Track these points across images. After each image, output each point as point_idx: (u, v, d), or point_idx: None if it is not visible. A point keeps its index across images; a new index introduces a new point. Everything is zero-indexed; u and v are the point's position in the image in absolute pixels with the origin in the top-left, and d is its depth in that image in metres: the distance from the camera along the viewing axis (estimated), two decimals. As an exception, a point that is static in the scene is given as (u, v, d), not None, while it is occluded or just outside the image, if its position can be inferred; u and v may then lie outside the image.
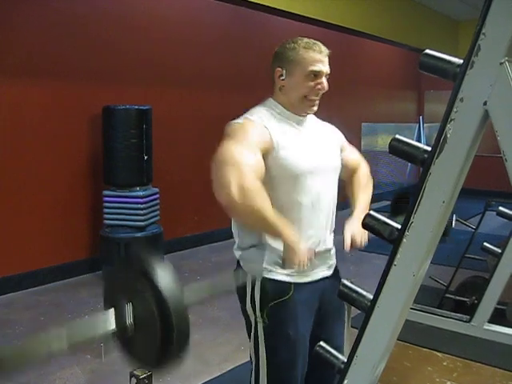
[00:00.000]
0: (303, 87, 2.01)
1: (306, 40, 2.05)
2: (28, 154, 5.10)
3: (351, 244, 2.06)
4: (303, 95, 2.02)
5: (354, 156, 2.34)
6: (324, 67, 2.03)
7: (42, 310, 4.58)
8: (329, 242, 2.17)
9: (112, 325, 1.33)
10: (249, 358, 2.16)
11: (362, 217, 2.12)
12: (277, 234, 1.82)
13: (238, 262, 2.15)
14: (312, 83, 2.01)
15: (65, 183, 5.44)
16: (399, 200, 2.88)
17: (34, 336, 1.23)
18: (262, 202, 1.78)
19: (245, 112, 2.09)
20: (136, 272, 1.31)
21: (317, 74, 2.01)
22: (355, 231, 2.06)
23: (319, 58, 2.02)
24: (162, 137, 5.88)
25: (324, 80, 2.03)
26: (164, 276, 1.25)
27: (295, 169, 1.98)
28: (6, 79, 4.91)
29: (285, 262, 1.87)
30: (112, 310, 1.34)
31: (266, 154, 1.93)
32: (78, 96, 5.46)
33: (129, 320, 1.29)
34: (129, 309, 1.30)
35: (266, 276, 2.02)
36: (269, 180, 1.92)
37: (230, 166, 1.78)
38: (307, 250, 1.84)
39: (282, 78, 2.05)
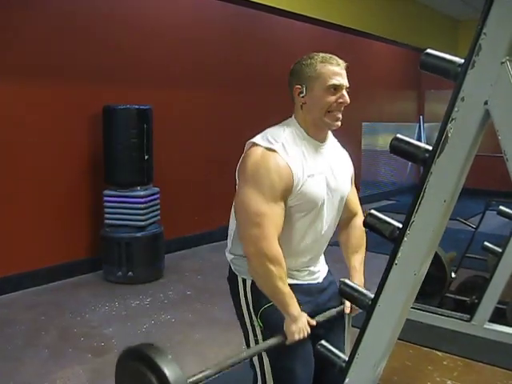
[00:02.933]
0: (324, 102, 1.98)
1: (322, 54, 2.02)
2: (28, 153, 5.10)
3: (351, 308, 2.16)
4: (326, 110, 1.99)
5: (354, 198, 2.32)
6: (343, 80, 2.00)
7: (43, 310, 4.58)
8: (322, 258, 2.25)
9: None
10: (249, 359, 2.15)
11: (361, 276, 2.19)
12: (282, 307, 1.96)
13: (230, 265, 2.17)
14: (333, 97, 1.98)
15: (65, 183, 5.44)
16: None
17: None
18: (278, 272, 1.91)
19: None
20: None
21: (337, 88, 1.98)
22: None
23: (337, 71, 1.99)
24: (162, 136, 5.88)
25: (345, 93, 2.01)
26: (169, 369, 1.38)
27: (313, 201, 2.01)
28: (6, 79, 4.91)
29: (285, 331, 1.95)
30: None
31: (288, 194, 1.96)
32: (79, 95, 5.46)
33: None
34: None
35: None
36: (287, 211, 1.97)
37: (255, 227, 1.91)
38: (307, 321, 1.97)
39: (301, 95, 2.01)
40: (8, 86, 4.93)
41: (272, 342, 1.95)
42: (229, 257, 2.17)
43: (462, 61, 1.25)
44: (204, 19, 6.68)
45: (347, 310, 2.16)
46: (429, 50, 1.30)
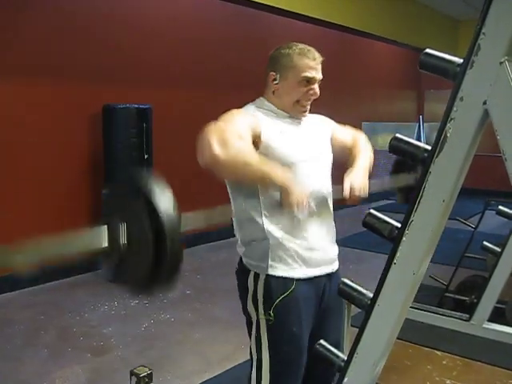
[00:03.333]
0: (296, 92, 2.05)
1: (300, 46, 2.09)
2: (28, 152, 5.10)
3: (350, 193, 2.05)
4: (295, 100, 2.06)
5: (348, 133, 2.35)
6: (317, 74, 2.06)
7: (41, 310, 4.58)
8: (331, 232, 2.18)
9: (104, 242, 1.30)
10: (248, 357, 2.16)
11: (363, 167, 2.16)
12: (268, 178, 1.84)
13: (241, 258, 2.15)
14: (304, 89, 2.05)
15: (65, 182, 5.44)
16: (398, 162, 2.89)
17: (27, 242, 1.20)
18: (247, 151, 1.82)
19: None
20: (134, 192, 1.27)
21: (309, 80, 2.04)
22: (354, 180, 2.09)
23: (312, 65, 2.05)
24: (162, 136, 5.88)
25: (316, 86, 2.06)
26: (162, 199, 1.23)
27: (288, 157, 1.99)
28: (6, 78, 4.91)
29: (283, 205, 1.84)
30: (105, 227, 1.30)
31: (257, 139, 1.95)
32: (79, 95, 5.46)
33: (122, 240, 1.27)
34: (123, 228, 1.27)
35: (270, 273, 2.02)
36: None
37: (214, 131, 1.82)
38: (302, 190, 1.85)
39: (275, 82, 2.08)
40: (8, 86, 4.93)
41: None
42: (240, 250, 2.14)
43: (461, 61, 1.25)
44: (204, 19, 6.68)
45: (346, 195, 2.07)
46: (428, 50, 1.30)
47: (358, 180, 2.09)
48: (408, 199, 2.61)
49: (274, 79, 2.08)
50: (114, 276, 1.36)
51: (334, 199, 2.17)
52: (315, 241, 2.07)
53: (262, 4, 5.88)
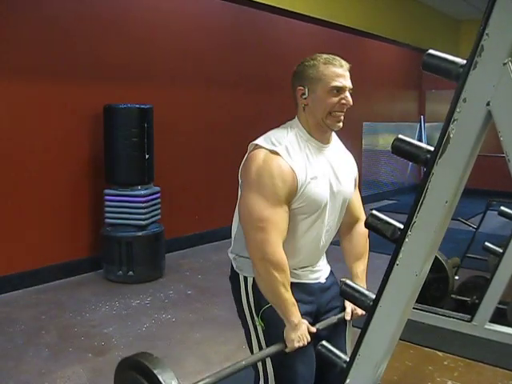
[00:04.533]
0: (327, 104, 1.97)
1: (325, 56, 2.01)
2: (29, 152, 5.10)
3: (352, 314, 2.17)
4: (328, 111, 1.98)
5: (358, 202, 2.31)
6: (346, 82, 1.99)
7: (43, 309, 4.58)
8: (324, 258, 2.25)
9: None
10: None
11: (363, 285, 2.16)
12: (283, 313, 1.96)
13: (232, 264, 2.17)
14: (336, 99, 1.97)
15: (66, 182, 5.44)
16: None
17: None
18: (281, 278, 1.92)
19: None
20: None
21: (339, 90, 1.97)
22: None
23: (340, 73, 1.98)
24: (163, 136, 5.88)
25: (348, 94, 2.00)
26: None
27: (321, 202, 2.00)
28: (7, 78, 4.91)
29: (286, 343, 1.96)
30: None
31: (292, 198, 1.95)
32: (80, 95, 5.45)
33: None
34: None
35: None
36: (290, 213, 1.97)
37: (259, 232, 1.91)
38: (307, 328, 1.98)
39: (304, 96, 2.01)
40: (9, 86, 4.93)
41: (272, 349, 1.95)
42: (231, 255, 2.17)
43: (464, 62, 1.25)
44: (207, 19, 6.68)
45: (347, 317, 2.16)
46: (431, 51, 1.30)
47: None
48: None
49: (303, 94, 2.01)
50: None
51: None
52: (306, 262, 2.12)
53: (264, 4, 5.88)
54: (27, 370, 3.54)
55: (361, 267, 2.25)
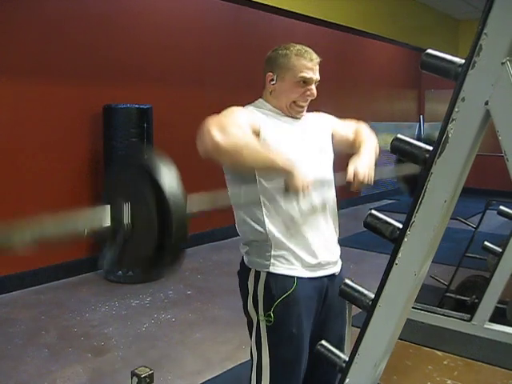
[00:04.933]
0: (293, 93, 2.07)
1: (298, 47, 2.10)
2: (28, 153, 5.10)
3: (354, 178, 2.01)
4: (292, 100, 2.08)
5: (350, 126, 2.34)
6: (314, 75, 2.08)
7: (43, 309, 4.59)
8: (333, 231, 2.18)
9: (107, 221, 1.28)
10: (249, 357, 2.16)
11: (369, 153, 2.16)
12: (271, 164, 1.84)
13: (243, 258, 2.15)
14: (301, 89, 2.06)
15: (65, 182, 5.44)
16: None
17: (30, 219, 1.17)
18: (247, 137, 1.85)
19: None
20: (138, 171, 1.25)
21: (306, 81, 2.06)
22: (359, 165, 2.06)
23: (310, 66, 2.06)
24: (162, 136, 5.88)
25: (313, 87, 2.08)
26: (168, 179, 1.21)
27: (287, 155, 1.94)
28: (6, 78, 4.91)
29: (287, 190, 1.85)
30: (108, 207, 1.28)
31: (256, 136, 1.95)
32: (79, 95, 5.45)
33: (126, 220, 1.24)
34: (127, 208, 1.24)
35: (271, 270, 2.02)
36: (266, 182, 1.96)
37: (213, 122, 1.85)
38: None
39: (272, 82, 2.11)
40: (8, 86, 4.93)
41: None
42: (242, 249, 2.15)
43: (463, 61, 1.25)
44: (206, 18, 6.68)
45: (349, 180, 2.03)
46: (429, 51, 1.30)
47: (362, 166, 2.06)
48: (412, 189, 2.58)
49: (272, 79, 2.10)
50: (118, 258, 1.34)
51: (337, 186, 2.16)
52: (317, 242, 2.07)
53: (264, 4, 5.88)
54: (27, 370, 3.54)
55: (370, 141, 2.29)
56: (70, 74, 5.39)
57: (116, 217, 1.23)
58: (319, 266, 2.09)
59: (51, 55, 5.21)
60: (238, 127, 1.86)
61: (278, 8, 6.11)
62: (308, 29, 7.55)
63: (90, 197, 5.63)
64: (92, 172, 5.62)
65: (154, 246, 1.18)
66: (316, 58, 2.10)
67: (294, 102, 2.08)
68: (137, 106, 5.31)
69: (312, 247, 2.06)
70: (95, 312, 4.55)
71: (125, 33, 5.81)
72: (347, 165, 2.07)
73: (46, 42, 5.17)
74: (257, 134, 1.96)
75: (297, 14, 6.45)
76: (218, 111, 2.00)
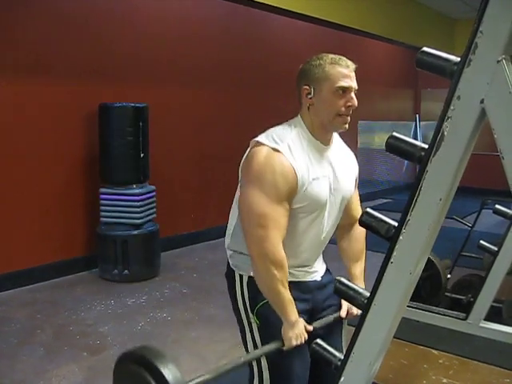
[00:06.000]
0: (333, 104, 1.96)
1: (331, 56, 1.99)
2: (24, 151, 5.09)
3: (348, 314, 2.16)
4: (335, 113, 1.97)
5: (356, 202, 2.30)
6: (352, 82, 1.98)
7: (39, 308, 4.58)
8: (320, 256, 2.24)
9: None
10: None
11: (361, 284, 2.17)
12: (281, 311, 1.95)
13: (228, 261, 2.17)
14: (341, 101, 1.96)
15: (61, 181, 5.43)
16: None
17: None
18: (280, 275, 1.91)
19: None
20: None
21: (345, 90, 1.96)
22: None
23: (346, 73, 1.96)
24: (158, 134, 5.87)
25: (353, 95, 1.98)
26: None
27: (320, 202, 2.01)
28: (2, 78, 4.89)
29: (284, 341, 1.95)
30: None
31: (292, 196, 1.95)
32: (75, 93, 5.44)
33: None
34: None
35: (252, 274, 2.03)
36: (290, 212, 1.96)
37: (259, 228, 1.90)
38: (304, 327, 1.96)
39: (309, 96, 1.99)
40: (4, 85, 4.91)
41: (270, 347, 1.95)
42: (228, 252, 2.16)
43: (458, 59, 1.25)
44: (203, 17, 6.68)
45: (343, 314, 2.15)
46: (425, 49, 1.30)
47: None
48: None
49: (308, 93, 1.99)
50: None
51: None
52: (304, 260, 2.12)
53: (261, 3, 5.87)
54: (22, 369, 3.54)
55: (359, 268, 2.26)
56: (66, 72, 5.38)
57: None
58: (304, 272, 2.13)
59: (46, 54, 5.19)
60: (280, 233, 1.92)
61: (276, 7, 6.11)
62: (305, 27, 7.55)
63: (85, 195, 5.62)
64: (87, 171, 5.61)
65: None
66: (352, 65, 2.00)
67: (337, 115, 1.98)
68: (132, 104, 5.31)
69: (298, 264, 2.10)
70: (91, 311, 4.54)
71: (121, 32, 5.80)
72: None
73: (42, 41, 5.15)
74: (294, 194, 1.94)
75: (295, 12, 6.46)
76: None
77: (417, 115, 12.08)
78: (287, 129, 2.03)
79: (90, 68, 5.55)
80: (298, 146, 1.98)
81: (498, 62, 1.19)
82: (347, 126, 2.03)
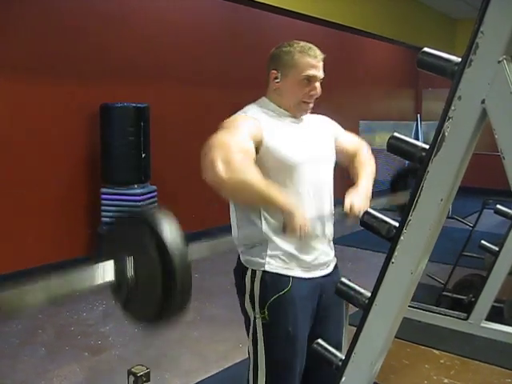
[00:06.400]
0: (297, 91, 2.05)
1: (301, 44, 2.07)
2: (26, 151, 5.09)
3: (350, 210, 2.02)
4: (299, 100, 2.06)
5: (352, 140, 2.35)
6: (318, 72, 2.06)
7: (40, 308, 4.57)
8: (329, 232, 2.18)
9: (110, 277, 1.29)
10: (247, 356, 2.16)
11: (366, 188, 2.15)
12: (271, 202, 1.83)
13: (239, 257, 2.16)
14: (306, 88, 2.04)
15: (62, 181, 5.43)
16: (399, 177, 2.90)
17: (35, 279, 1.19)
18: (250, 173, 1.78)
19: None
20: (139, 225, 1.25)
21: (311, 79, 2.04)
22: (355, 199, 2.06)
23: (314, 63, 2.04)
24: (159, 134, 5.88)
25: (318, 85, 2.06)
26: (169, 230, 1.21)
27: (290, 159, 2.00)
28: (3, 77, 4.90)
29: (285, 229, 1.83)
30: (111, 262, 1.28)
31: (258, 145, 1.95)
32: (76, 94, 5.45)
33: (129, 273, 1.25)
34: (130, 262, 1.25)
35: (266, 269, 2.03)
36: (265, 172, 1.91)
37: (217, 148, 1.78)
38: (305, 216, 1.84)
39: (276, 80, 2.08)
40: (6, 85, 4.92)
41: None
42: (239, 249, 2.15)
43: (459, 59, 1.25)
44: (204, 17, 6.68)
45: (346, 211, 2.04)
46: (426, 49, 1.30)
47: (359, 199, 2.06)
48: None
49: (276, 77, 2.08)
50: (123, 309, 1.35)
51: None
52: (313, 243, 2.08)
53: (262, 3, 5.87)
54: (24, 369, 3.54)
55: (367, 170, 2.26)
56: (67, 72, 5.39)
57: (119, 271, 1.25)
58: (314, 266, 2.11)
59: (48, 54, 5.20)
60: (243, 151, 1.82)
61: (276, 7, 6.11)
62: (306, 27, 7.54)
63: (86, 195, 5.62)
64: (89, 171, 5.61)
65: (158, 297, 1.20)
66: (320, 55, 2.07)
67: (300, 102, 2.06)
68: (134, 104, 5.32)
69: (308, 248, 2.07)
70: (92, 311, 4.54)
71: (122, 32, 5.81)
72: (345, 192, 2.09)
73: (43, 41, 5.16)
74: (260, 141, 1.95)
75: (295, 12, 6.46)
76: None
77: (418, 115, 12.07)
78: (253, 105, 2.13)
79: (91, 68, 5.56)
80: (262, 114, 2.05)
81: (499, 62, 1.18)
82: (309, 111, 2.13)
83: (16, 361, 3.65)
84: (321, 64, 2.07)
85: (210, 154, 1.75)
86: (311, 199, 2.07)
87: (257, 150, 1.93)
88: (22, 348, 3.84)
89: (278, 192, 1.82)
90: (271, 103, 2.11)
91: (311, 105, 2.09)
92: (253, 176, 1.77)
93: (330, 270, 2.18)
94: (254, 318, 2.08)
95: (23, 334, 4.07)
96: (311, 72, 2.03)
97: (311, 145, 2.11)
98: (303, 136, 2.10)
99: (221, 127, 1.95)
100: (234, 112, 2.12)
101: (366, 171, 2.26)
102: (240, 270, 2.14)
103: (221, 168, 1.71)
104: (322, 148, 2.17)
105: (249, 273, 2.09)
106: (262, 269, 2.03)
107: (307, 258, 2.08)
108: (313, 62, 2.04)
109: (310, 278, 2.08)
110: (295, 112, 2.10)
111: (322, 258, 2.13)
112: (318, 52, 2.07)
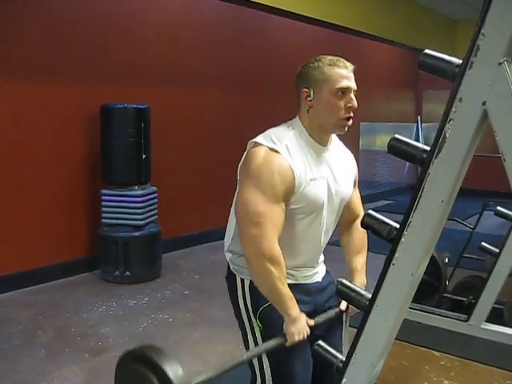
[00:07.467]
0: (333, 106, 1.96)
1: (329, 57, 1.99)
2: (26, 152, 5.09)
3: (347, 310, 2.17)
4: (336, 116, 1.97)
5: (357, 200, 2.31)
6: (351, 83, 1.97)
7: (40, 309, 4.58)
8: (322, 257, 2.24)
9: None
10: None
11: (361, 283, 2.17)
12: (281, 308, 1.95)
13: (228, 264, 2.17)
14: (341, 102, 1.96)
15: (63, 182, 5.43)
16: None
17: None
18: (277, 272, 1.90)
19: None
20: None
21: (344, 91, 1.95)
22: None
23: (345, 74, 1.96)
24: (160, 136, 5.87)
25: (353, 96, 1.98)
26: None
27: (315, 204, 2.00)
28: (5, 79, 4.90)
29: (285, 332, 1.95)
30: None
31: (289, 196, 1.95)
32: (77, 95, 5.45)
33: None
34: None
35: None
36: (288, 213, 1.96)
37: (254, 227, 1.89)
38: (305, 322, 1.96)
39: (309, 98, 1.99)
40: (7, 86, 4.92)
41: (272, 343, 1.93)
42: (227, 255, 2.16)
43: (460, 61, 1.25)
44: (204, 19, 6.68)
45: (343, 307, 2.15)
46: (427, 51, 1.30)
47: None
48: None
49: (308, 96, 1.99)
50: None
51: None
52: (303, 262, 2.12)
53: (263, 4, 5.87)
54: (24, 371, 3.54)
55: (360, 261, 2.26)
56: (68, 73, 5.39)
57: None
58: (305, 272, 2.13)
59: (48, 55, 5.20)
60: (277, 228, 1.91)
61: (276, 8, 6.11)
62: (306, 29, 7.55)
63: (87, 196, 5.62)
64: (89, 172, 5.61)
65: None
66: (350, 66, 2.00)
67: (339, 118, 1.97)
68: (134, 105, 5.31)
69: (297, 265, 2.10)
70: (92, 312, 4.54)
71: (123, 33, 5.81)
72: None
73: (44, 42, 5.16)
74: (291, 193, 1.94)
75: (295, 14, 6.45)
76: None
77: (419, 117, 12.07)
78: (285, 130, 2.03)
79: (91, 69, 5.56)
80: (295, 146, 1.98)
81: (500, 64, 1.19)
82: (346, 128, 2.03)
83: (16, 362, 3.65)
84: (352, 75, 1.99)
85: (247, 232, 1.92)
86: (324, 235, 2.12)
87: (287, 197, 1.95)
88: (22, 349, 3.84)
89: (291, 303, 1.94)
90: (304, 130, 2.03)
91: (350, 121, 2.00)
92: (278, 278, 1.91)
93: (320, 276, 2.21)
94: (251, 326, 2.08)
95: (23, 335, 4.07)
96: (344, 83, 1.95)
97: (336, 185, 2.09)
98: (331, 174, 2.07)
99: (253, 173, 1.92)
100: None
101: (362, 264, 2.27)
102: (230, 277, 2.16)
103: (252, 258, 1.92)
104: (345, 190, 2.15)
105: (238, 281, 2.10)
106: (250, 278, 2.04)
107: (296, 272, 2.11)
108: (344, 72, 1.96)
109: (298, 284, 2.09)
110: (335, 130, 2.04)
111: (310, 272, 2.17)
112: (347, 63, 2.00)
